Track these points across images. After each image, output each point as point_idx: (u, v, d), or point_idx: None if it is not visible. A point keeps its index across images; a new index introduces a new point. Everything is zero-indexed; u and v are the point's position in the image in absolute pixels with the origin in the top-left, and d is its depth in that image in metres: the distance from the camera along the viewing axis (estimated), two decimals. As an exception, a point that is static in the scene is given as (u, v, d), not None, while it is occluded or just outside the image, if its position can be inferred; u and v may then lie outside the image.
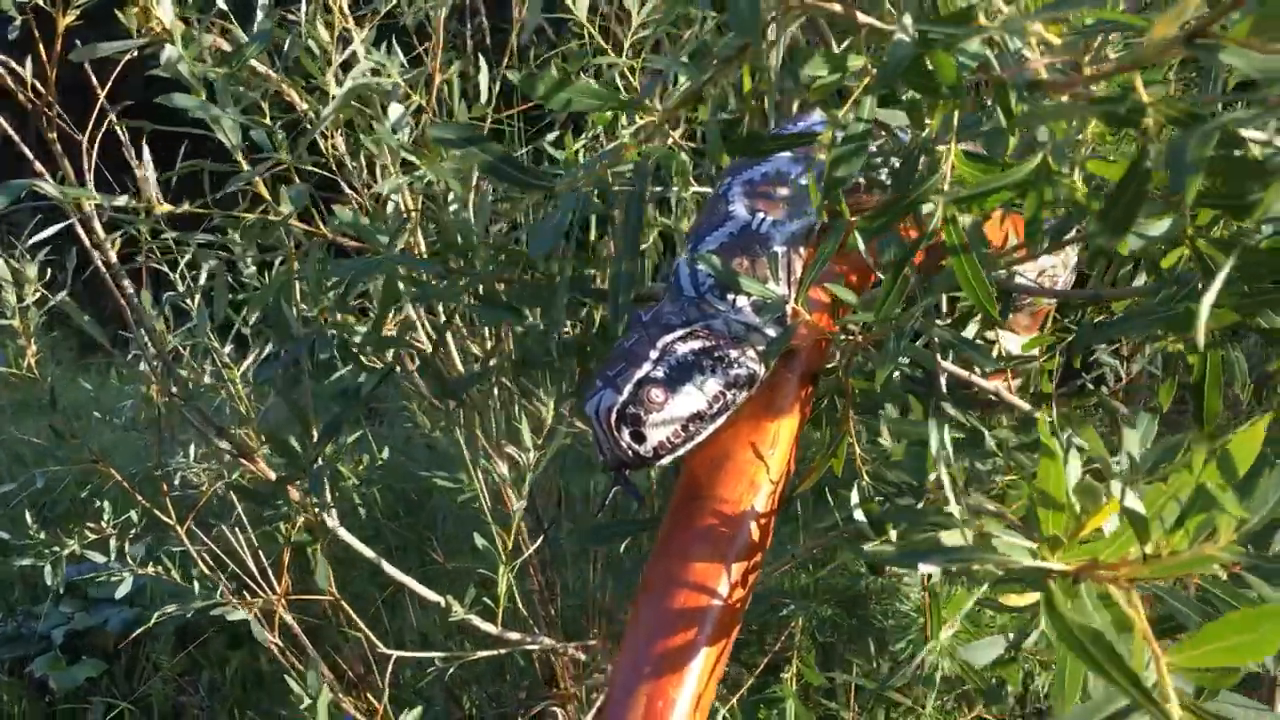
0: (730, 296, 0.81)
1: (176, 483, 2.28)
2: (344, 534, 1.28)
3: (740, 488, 0.79)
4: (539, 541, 1.51)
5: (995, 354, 0.94)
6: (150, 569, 1.75)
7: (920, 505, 0.75)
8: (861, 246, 0.63)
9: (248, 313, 0.94)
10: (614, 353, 0.80)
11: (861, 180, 0.90)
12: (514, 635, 1.42)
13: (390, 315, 0.99)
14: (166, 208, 0.91)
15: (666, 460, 0.77)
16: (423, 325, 1.12)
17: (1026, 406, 0.91)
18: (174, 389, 1.19)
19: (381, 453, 1.40)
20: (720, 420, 0.78)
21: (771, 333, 0.81)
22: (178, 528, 1.63)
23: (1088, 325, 0.83)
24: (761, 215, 0.84)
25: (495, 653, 1.37)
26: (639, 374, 0.77)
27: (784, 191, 0.85)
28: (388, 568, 1.34)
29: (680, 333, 0.78)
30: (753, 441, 0.80)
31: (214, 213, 0.94)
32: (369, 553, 1.32)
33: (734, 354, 0.79)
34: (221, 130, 0.92)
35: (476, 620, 1.36)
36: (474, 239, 0.97)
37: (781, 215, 0.84)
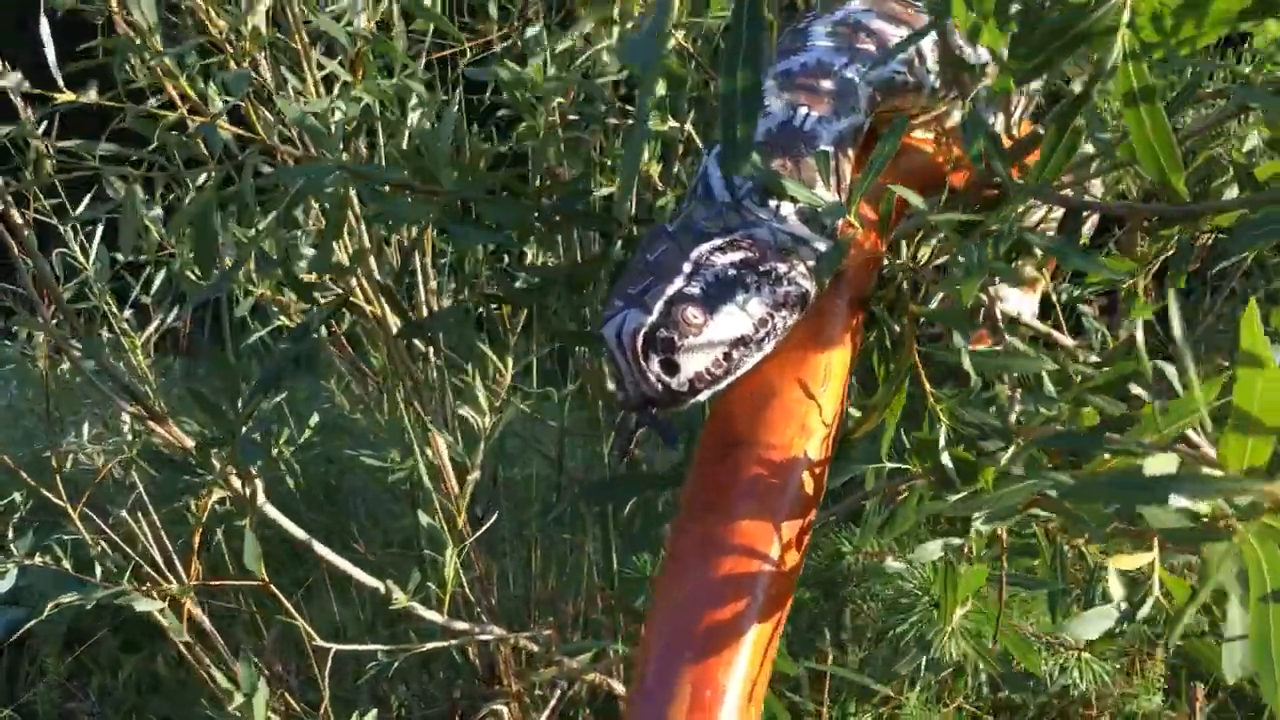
0: (773, 203, 0.67)
1: (70, 466, 2.07)
2: (271, 511, 1.11)
3: (789, 431, 0.65)
4: (488, 523, 1.35)
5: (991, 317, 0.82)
6: (37, 559, 1.55)
7: (1009, 449, 0.62)
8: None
9: (170, 231, 0.77)
10: (635, 266, 0.66)
11: (909, 78, 0.76)
12: (461, 625, 1.26)
13: (338, 241, 0.83)
14: (69, 96, 0.74)
15: (703, 396, 0.63)
16: (373, 253, 0.96)
17: (1069, 342, 0.79)
18: (75, 344, 1.01)
19: (310, 420, 1.23)
20: (767, 348, 0.64)
21: (821, 246, 0.67)
22: (70, 509, 1.44)
23: (1185, 243, 0.70)
24: (805, 110, 0.70)
25: (446, 644, 1.21)
26: (670, 290, 0.63)
27: (828, 85, 0.72)
28: (321, 550, 1.17)
29: (718, 242, 0.64)
30: (800, 378, 0.67)
31: (125, 106, 0.77)
32: (300, 532, 1.15)
33: (782, 268, 0.65)
34: (136, 6, 0.75)
35: (420, 609, 1.20)
36: (440, 151, 0.81)
37: (827, 111, 0.71)
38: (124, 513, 1.61)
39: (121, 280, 1.65)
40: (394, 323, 1.41)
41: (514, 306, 0.88)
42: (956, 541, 0.90)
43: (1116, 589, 0.97)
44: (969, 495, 0.61)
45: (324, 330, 1.57)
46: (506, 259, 1.20)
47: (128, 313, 1.58)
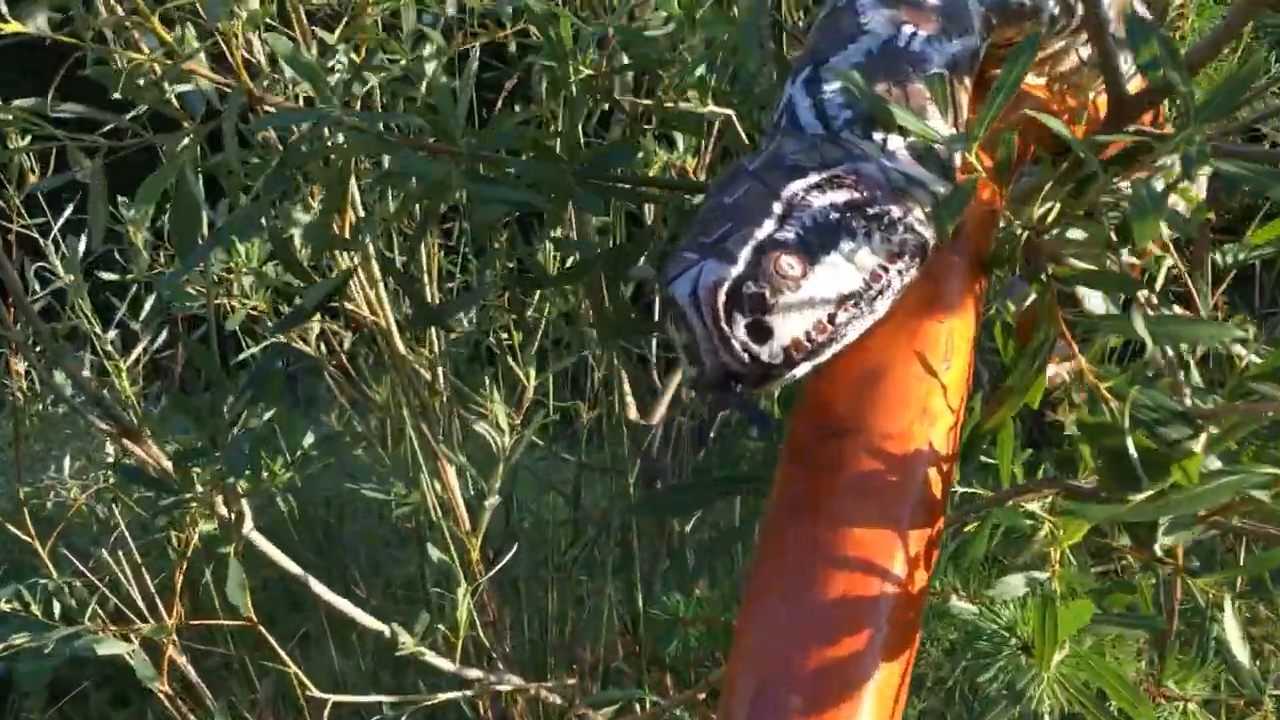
0: (878, 135, 0.54)
1: (50, 504, 1.92)
2: (260, 540, 0.97)
3: (907, 415, 0.51)
4: (503, 560, 1.21)
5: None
6: (5, 605, 1.40)
7: (1198, 438, 0.48)
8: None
9: (139, 201, 0.64)
10: (707, 212, 0.52)
11: (1026, 1, 0.64)
12: (474, 673, 1.12)
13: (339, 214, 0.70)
14: (14, 26, 0.61)
15: (800, 371, 0.50)
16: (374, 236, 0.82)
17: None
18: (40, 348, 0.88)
19: (304, 439, 1.09)
20: (880, 309, 0.51)
21: (940, 189, 0.54)
22: (40, 549, 1.30)
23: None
24: (910, 29, 0.57)
25: (457, 694, 1.07)
26: (759, 235, 0.49)
27: (934, 1, 0.59)
28: (318, 588, 1.03)
29: (815, 179, 0.51)
30: (917, 350, 0.53)
31: (87, 46, 0.64)
32: (294, 566, 1.01)
33: (896, 212, 0.52)
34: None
35: (429, 654, 1.06)
36: (457, 107, 0.69)
37: (935, 30, 0.58)
38: (104, 553, 1.47)
39: (106, 300, 1.52)
40: (400, 343, 1.28)
41: (526, 330, 0.75)
42: (1041, 575, 0.77)
43: (1235, 637, 0.82)
44: (1155, 496, 0.47)
45: (323, 350, 1.44)
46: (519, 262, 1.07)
47: (112, 334, 1.45)
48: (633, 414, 1.63)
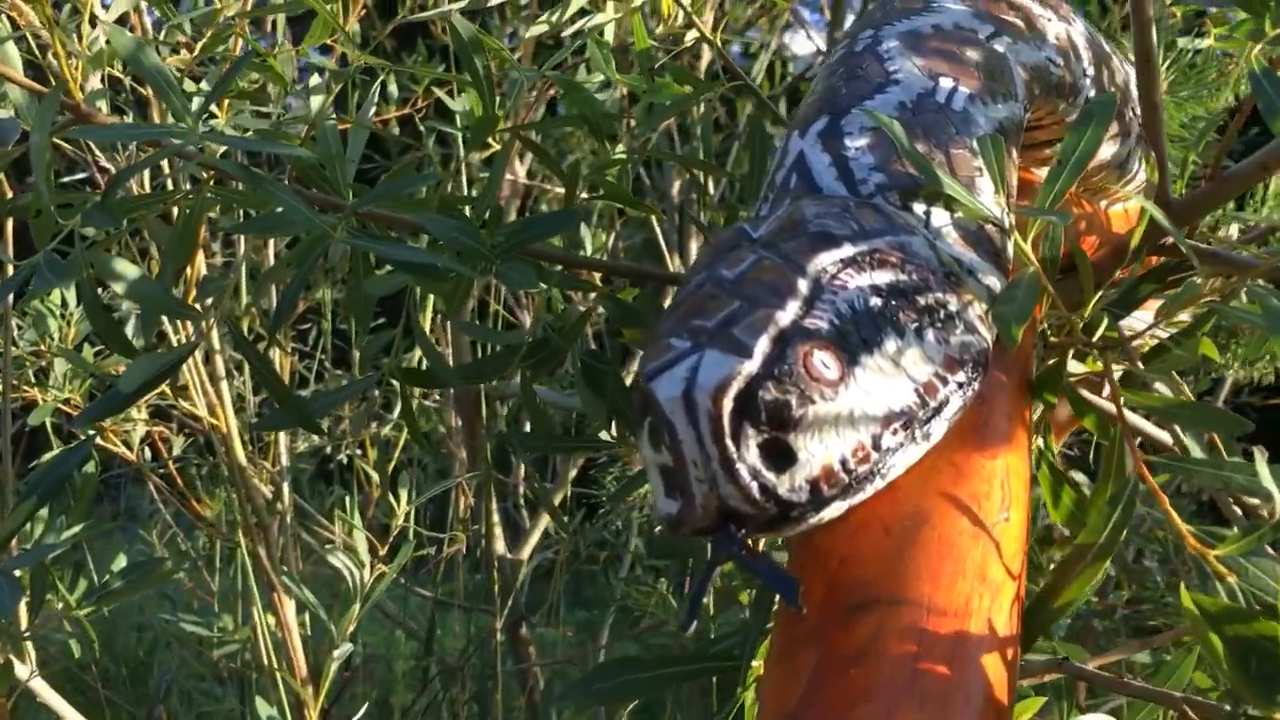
0: (919, 207, 0.41)
1: None
2: (43, 689, 0.76)
3: (964, 587, 0.37)
4: (342, 711, 1.01)
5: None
6: None
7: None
8: None
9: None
10: (700, 286, 0.38)
11: (1066, 75, 0.52)
12: None
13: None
14: None
15: (829, 513, 0.35)
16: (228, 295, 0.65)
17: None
18: None
19: (115, 563, 0.89)
20: (936, 435, 0.37)
21: (994, 282, 0.41)
22: None
23: None
24: (950, 83, 0.45)
25: None
26: (781, 320, 0.35)
27: (974, 55, 0.47)
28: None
29: (850, 251, 0.38)
30: (967, 494, 0.39)
31: None
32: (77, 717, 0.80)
33: (953, 304, 0.38)
34: None
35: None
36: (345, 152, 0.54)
37: (979, 89, 0.46)
38: None
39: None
40: (241, 452, 1.09)
41: (411, 424, 0.60)
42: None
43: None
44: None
45: (147, 456, 1.24)
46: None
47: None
48: (500, 547, 1.46)
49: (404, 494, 0.87)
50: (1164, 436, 0.54)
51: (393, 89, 1.14)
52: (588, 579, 2.00)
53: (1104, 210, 0.63)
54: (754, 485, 0.34)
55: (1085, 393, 0.45)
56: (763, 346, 0.35)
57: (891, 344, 0.36)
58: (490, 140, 0.70)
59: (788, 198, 0.42)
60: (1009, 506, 0.39)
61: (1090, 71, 0.53)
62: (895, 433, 0.35)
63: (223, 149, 0.63)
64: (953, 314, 0.38)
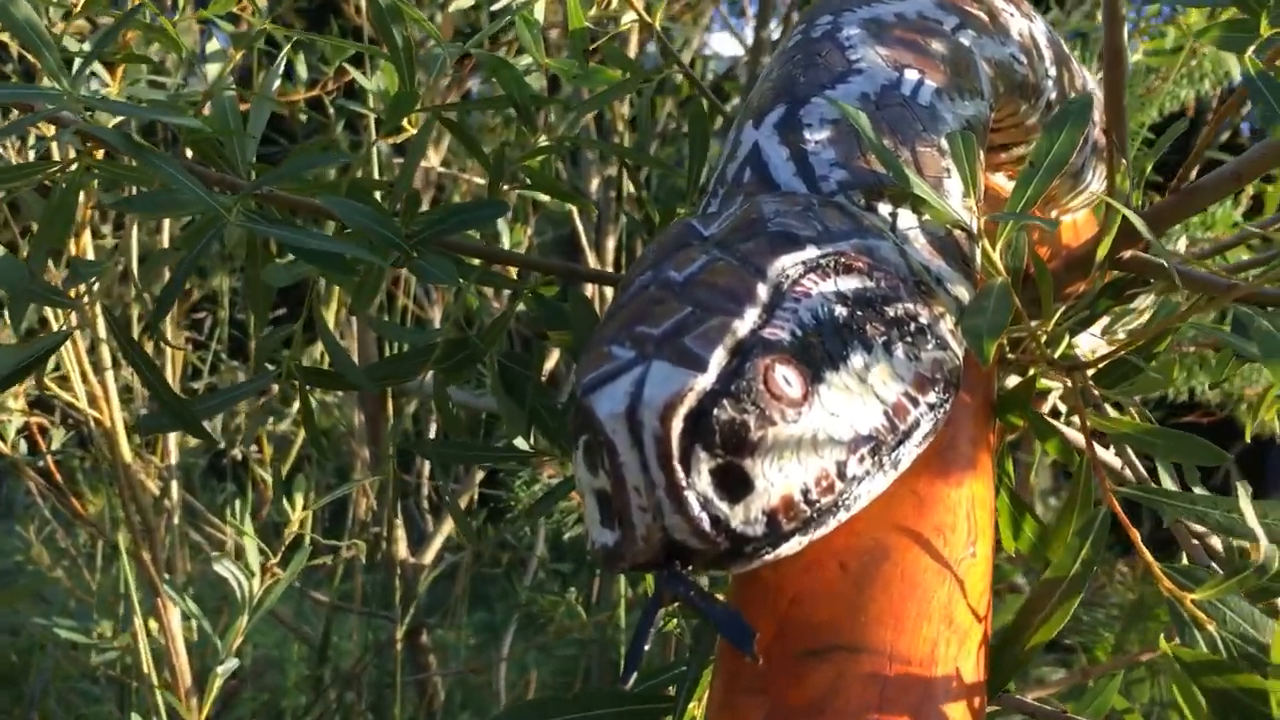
0: (884, 208, 0.38)
1: None
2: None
3: (930, 631, 0.33)
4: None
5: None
6: None
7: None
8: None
9: None
10: (643, 289, 0.34)
11: (1030, 75, 0.49)
12: None
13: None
14: None
15: (789, 549, 0.32)
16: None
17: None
18: None
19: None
20: (904, 463, 0.33)
21: (963, 293, 0.37)
22: None
23: None
24: (915, 75, 0.42)
25: None
26: (739, 330, 0.31)
27: (939, 47, 0.43)
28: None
29: (814, 253, 0.34)
30: (930, 527, 0.36)
31: None
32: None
33: (924, 316, 0.35)
34: None
35: None
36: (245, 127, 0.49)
37: (945, 83, 0.42)
38: None
39: None
40: (126, 448, 1.02)
41: (310, 427, 0.54)
42: None
43: None
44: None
45: (24, 449, 1.16)
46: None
47: None
48: (403, 550, 1.41)
49: (300, 496, 0.81)
50: (1114, 461, 0.52)
51: (301, 71, 1.08)
52: (489, 580, 1.95)
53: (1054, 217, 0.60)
54: (704, 516, 0.30)
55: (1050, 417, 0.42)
56: (718, 359, 0.30)
57: (858, 359, 0.33)
58: (405, 124, 0.65)
59: (740, 194, 0.38)
60: (975, 541, 0.36)
61: (1052, 72, 0.50)
62: (862, 460, 0.32)
63: (115, 119, 0.57)
64: (924, 327, 0.34)
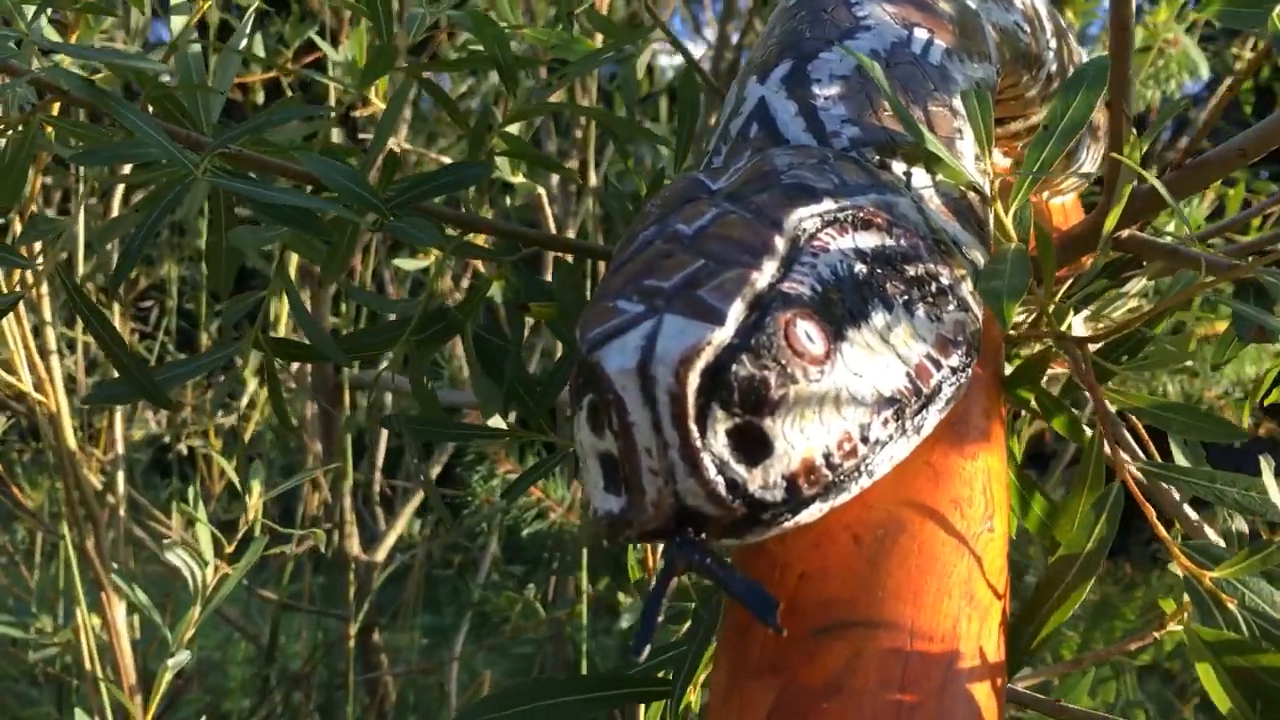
0: (898, 167, 0.36)
1: None
2: None
3: (950, 608, 0.32)
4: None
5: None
6: None
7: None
8: None
9: None
10: (649, 241, 0.32)
11: (1032, 44, 0.48)
12: None
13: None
14: None
15: (809, 516, 0.30)
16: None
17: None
18: None
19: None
20: (926, 428, 0.32)
21: (979, 256, 0.36)
22: None
23: None
24: (925, 34, 0.40)
25: None
26: (757, 282, 0.29)
27: (946, 7, 0.42)
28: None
29: (830, 206, 0.32)
30: (946, 500, 0.34)
31: None
32: None
33: (945, 276, 0.33)
34: None
35: None
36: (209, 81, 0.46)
37: (954, 43, 0.41)
38: None
39: None
40: (71, 436, 0.99)
41: (280, 409, 0.51)
42: None
43: None
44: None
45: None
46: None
47: None
48: (355, 547, 1.37)
49: (256, 486, 0.78)
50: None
51: (259, 48, 1.05)
52: (439, 581, 1.91)
53: (1045, 202, 0.59)
54: (720, 480, 0.28)
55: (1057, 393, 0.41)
56: (736, 312, 0.28)
57: (879, 318, 0.31)
58: (373, 98, 0.62)
59: (747, 148, 0.36)
60: (991, 515, 0.34)
61: (1053, 44, 0.49)
62: (886, 423, 0.30)
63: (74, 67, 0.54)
64: (945, 288, 0.33)
